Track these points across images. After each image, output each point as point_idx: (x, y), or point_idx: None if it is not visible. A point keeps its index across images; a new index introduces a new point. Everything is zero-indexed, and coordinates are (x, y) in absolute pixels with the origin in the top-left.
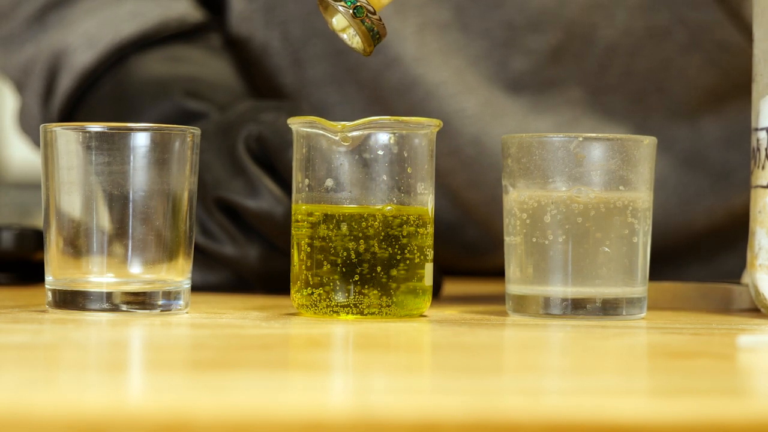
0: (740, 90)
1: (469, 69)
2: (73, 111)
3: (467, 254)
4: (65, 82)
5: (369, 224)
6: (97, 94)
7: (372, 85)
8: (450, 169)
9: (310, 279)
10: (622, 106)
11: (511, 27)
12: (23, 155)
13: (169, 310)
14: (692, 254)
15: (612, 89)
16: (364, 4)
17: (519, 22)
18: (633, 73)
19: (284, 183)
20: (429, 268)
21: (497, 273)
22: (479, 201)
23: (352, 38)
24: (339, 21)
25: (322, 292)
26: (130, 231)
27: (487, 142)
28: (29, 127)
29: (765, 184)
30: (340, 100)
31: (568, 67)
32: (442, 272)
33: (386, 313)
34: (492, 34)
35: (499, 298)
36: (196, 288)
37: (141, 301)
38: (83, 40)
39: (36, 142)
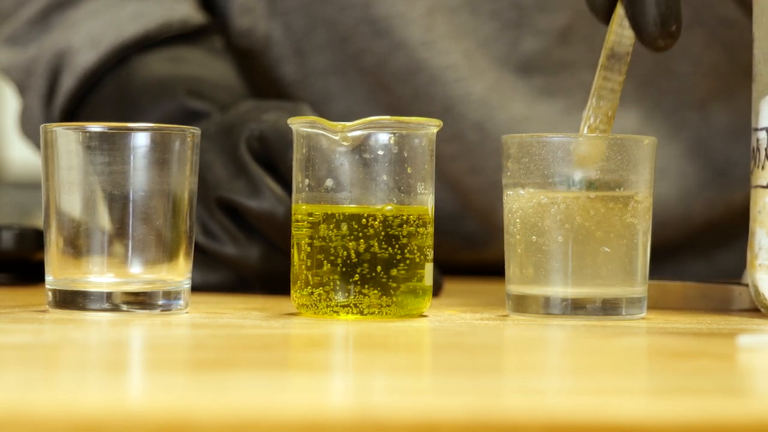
0: (745, 75)
1: (480, 51)
2: (75, 111)
3: (467, 246)
4: (68, 83)
5: (369, 224)
6: (100, 94)
7: (375, 71)
8: (451, 155)
9: (311, 279)
10: (633, 90)
11: (520, 7)
12: (23, 155)
13: (169, 310)
14: (690, 249)
15: None
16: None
17: (528, 2)
18: (639, 53)
19: (286, 183)
20: (429, 268)
21: (497, 265)
22: (480, 188)
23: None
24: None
25: (322, 291)
26: (131, 231)
27: (491, 128)
28: (32, 129)
29: (765, 184)
30: (342, 89)
31: (578, 48)
32: (442, 271)
33: (386, 313)
34: (501, 16)
35: (499, 298)
36: (196, 288)
37: (141, 301)
38: (86, 40)
39: (38, 144)
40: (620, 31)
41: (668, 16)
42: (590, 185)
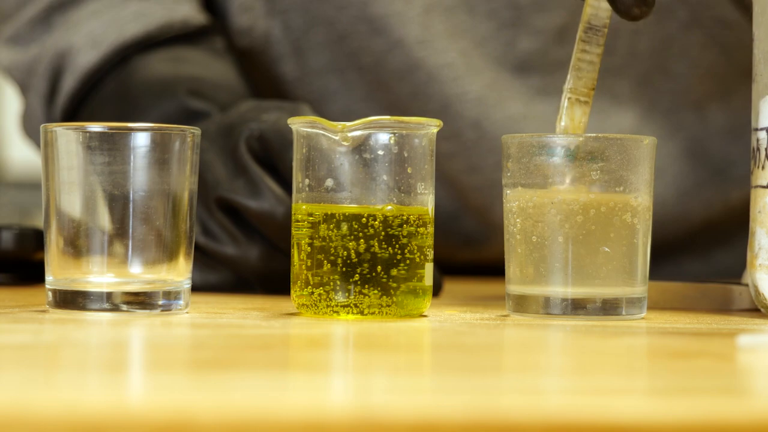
0: (743, 76)
1: (477, 50)
2: (76, 111)
3: (465, 245)
4: (69, 83)
5: (369, 224)
6: (100, 94)
7: (373, 70)
8: (450, 153)
9: (311, 279)
10: (629, 90)
11: (517, 7)
12: (23, 155)
13: (170, 310)
14: (688, 248)
15: (617, 71)
16: None
17: (524, 2)
18: (637, 53)
19: (286, 183)
20: (429, 268)
21: (496, 264)
22: (478, 186)
23: None
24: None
25: (322, 291)
26: (131, 231)
27: (488, 127)
28: (33, 129)
29: (765, 184)
30: (341, 87)
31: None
32: (441, 271)
33: (386, 313)
34: (498, 15)
35: (499, 298)
36: (196, 288)
37: (141, 301)
38: (87, 40)
39: (39, 144)
40: (596, 3)
41: None
42: (571, 154)
